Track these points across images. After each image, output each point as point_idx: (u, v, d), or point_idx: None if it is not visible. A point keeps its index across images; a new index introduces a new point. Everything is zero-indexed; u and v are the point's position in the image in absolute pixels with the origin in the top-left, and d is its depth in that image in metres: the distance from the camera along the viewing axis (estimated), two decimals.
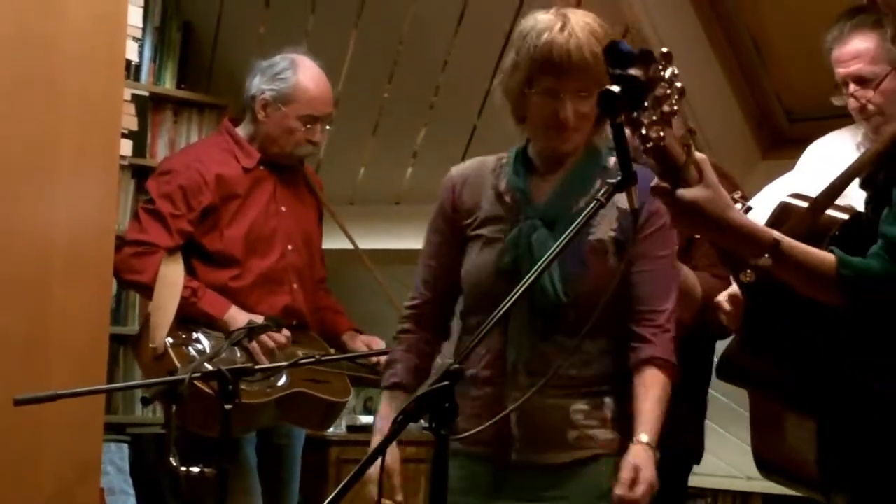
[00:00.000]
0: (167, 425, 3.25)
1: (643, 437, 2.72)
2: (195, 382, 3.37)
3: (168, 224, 4.06)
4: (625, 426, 2.81)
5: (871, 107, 3.22)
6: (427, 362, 2.97)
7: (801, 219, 2.56)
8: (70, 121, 3.78)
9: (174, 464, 3.24)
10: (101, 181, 3.88)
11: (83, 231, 3.82)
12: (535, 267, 2.37)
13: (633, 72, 2.04)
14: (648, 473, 2.68)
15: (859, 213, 2.46)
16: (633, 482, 2.67)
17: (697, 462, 3.73)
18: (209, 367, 3.32)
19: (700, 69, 5.09)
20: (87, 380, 3.67)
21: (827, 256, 2.27)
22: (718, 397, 3.46)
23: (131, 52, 4.28)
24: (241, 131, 4.27)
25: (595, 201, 2.44)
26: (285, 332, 4.06)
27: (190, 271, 4.10)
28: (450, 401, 2.18)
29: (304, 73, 4.19)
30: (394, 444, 2.65)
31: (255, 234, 4.16)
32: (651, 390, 2.77)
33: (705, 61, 5.11)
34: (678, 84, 2.06)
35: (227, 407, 3.24)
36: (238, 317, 3.99)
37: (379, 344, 4.25)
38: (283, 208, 4.25)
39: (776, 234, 2.26)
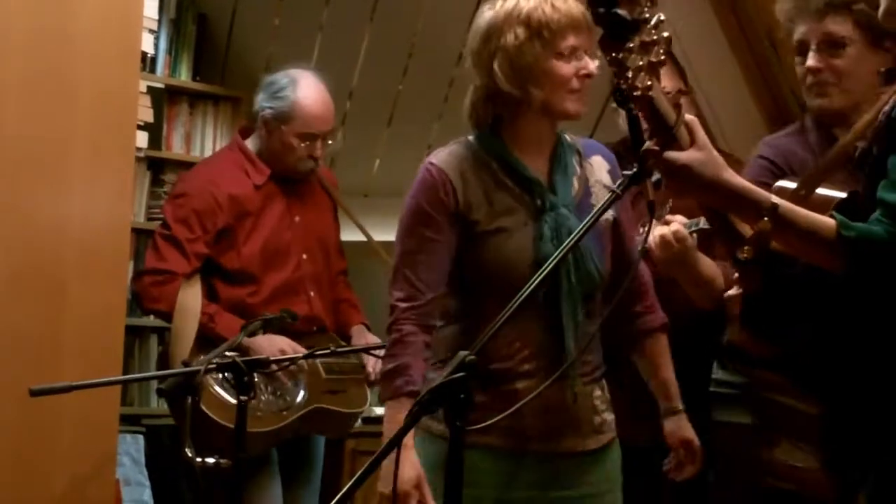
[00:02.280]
0: (182, 417, 3.26)
1: (677, 405, 2.94)
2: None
3: (185, 249, 4.11)
4: (618, 415, 2.94)
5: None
6: (428, 366, 2.86)
7: (792, 199, 2.54)
8: (86, 113, 3.79)
9: (190, 455, 3.24)
10: (116, 173, 3.89)
11: (99, 223, 3.82)
12: (552, 257, 2.37)
13: (618, 11, 2.04)
14: (696, 442, 2.92)
15: (854, 191, 2.44)
16: (691, 457, 2.90)
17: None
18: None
19: (716, 64, 5.08)
20: (102, 371, 3.68)
21: (827, 220, 2.25)
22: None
23: (147, 44, 4.29)
24: (251, 144, 4.31)
25: (612, 193, 2.44)
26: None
27: (210, 290, 4.17)
28: (465, 392, 2.18)
29: (302, 91, 4.21)
30: (416, 457, 2.71)
31: (270, 249, 4.21)
32: (666, 356, 2.96)
33: (721, 56, 5.10)
34: (665, 33, 2.07)
35: (243, 398, 3.24)
36: (254, 338, 4.00)
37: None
38: (297, 218, 4.30)
39: (774, 197, 2.25)
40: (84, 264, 3.77)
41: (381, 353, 4.05)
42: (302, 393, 4.14)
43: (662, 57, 2.09)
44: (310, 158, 4.24)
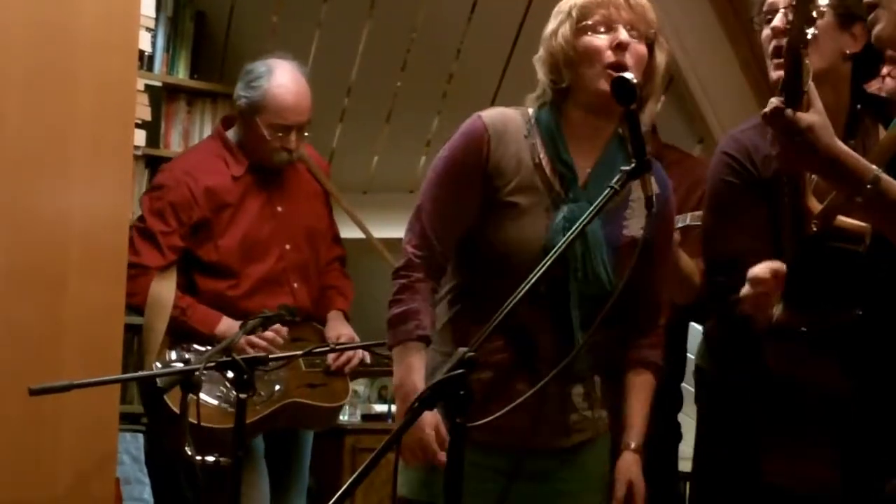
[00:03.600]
0: (181, 415, 3.26)
1: (633, 443, 2.80)
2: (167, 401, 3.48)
3: (159, 242, 4.10)
4: (612, 402, 2.86)
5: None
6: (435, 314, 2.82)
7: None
8: (84, 111, 3.78)
9: (189, 453, 3.24)
10: (115, 171, 3.88)
11: (98, 221, 3.81)
12: (548, 256, 2.39)
13: None
14: (641, 485, 2.78)
15: None
16: (631, 499, 2.78)
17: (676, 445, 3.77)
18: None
19: (714, 57, 5.09)
20: (102, 370, 3.66)
21: None
22: (692, 390, 3.45)
23: (144, 42, 4.28)
24: (233, 135, 4.28)
25: (609, 188, 2.45)
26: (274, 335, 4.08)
27: (189, 282, 4.16)
28: (465, 388, 2.18)
29: (276, 80, 4.16)
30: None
31: (250, 241, 4.19)
32: (644, 394, 2.86)
33: (720, 50, 5.10)
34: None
35: (242, 396, 3.24)
36: (231, 329, 3.99)
37: (348, 338, 4.24)
38: (280, 208, 4.26)
39: (877, 169, 2.23)
40: (84, 262, 3.76)
41: (381, 349, 4.12)
42: (278, 387, 4.12)
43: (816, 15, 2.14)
44: (284, 150, 4.18)
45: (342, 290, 4.42)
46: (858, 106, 2.90)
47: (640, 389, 2.86)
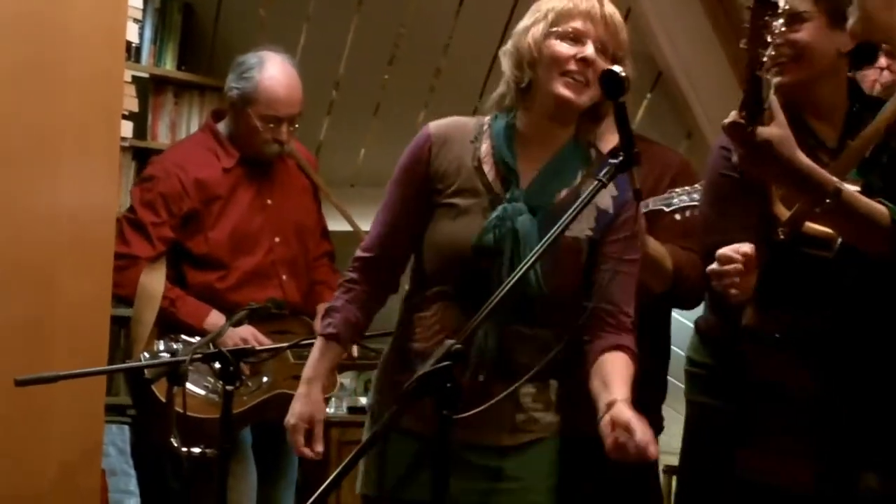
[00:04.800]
0: (168, 406, 3.26)
1: (619, 395, 2.61)
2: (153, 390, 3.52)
3: (149, 233, 4.11)
4: (567, 408, 2.81)
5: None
6: (366, 316, 2.91)
7: None
8: (71, 103, 3.77)
9: (175, 444, 3.24)
10: (102, 163, 3.87)
11: (85, 213, 3.81)
12: (529, 257, 2.41)
13: None
14: (641, 423, 2.56)
15: (868, 182, 2.46)
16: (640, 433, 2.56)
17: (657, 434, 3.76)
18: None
19: (704, 56, 5.09)
20: (88, 362, 3.66)
21: (879, 206, 2.30)
22: (677, 383, 3.45)
23: (132, 33, 4.27)
24: (223, 128, 4.29)
25: (597, 182, 2.46)
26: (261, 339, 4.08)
27: (179, 275, 4.17)
28: (452, 381, 2.18)
29: (268, 72, 4.17)
30: (321, 394, 2.91)
31: (240, 234, 4.20)
32: (623, 366, 2.71)
33: (710, 48, 5.11)
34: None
35: (229, 388, 3.24)
36: (219, 323, 4.00)
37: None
38: (270, 201, 4.28)
39: (837, 180, 2.28)
40: (71, 253, 3.76)
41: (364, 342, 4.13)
42: (266, 378, 4.13)
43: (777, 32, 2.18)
44: (275, 142, 4.20)
45: (331, 284, 4.42)
46: (856, 106, 2.91)
47: (613, 361, 2.71)
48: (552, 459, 2.81)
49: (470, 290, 2.64)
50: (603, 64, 2.70)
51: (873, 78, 3.27)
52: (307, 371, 2.92)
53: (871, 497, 2.44)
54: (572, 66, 2.71)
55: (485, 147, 2.81)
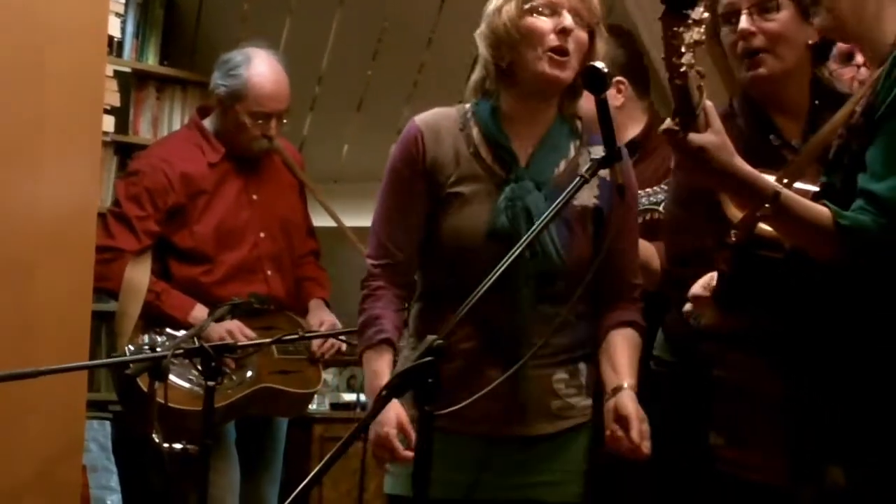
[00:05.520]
0: (149, 402, 3.25)
1: (625, 382, 2.71)
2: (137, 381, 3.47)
3: (134, 227, 4.12)
4: (597, 390, 2.82)
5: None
6: (402, 320, 2.84)
7: None
8: (53, 97, 3.76)
9: (157, 440, 3.23)
10: (84, 158, 3.86)
11: (67, 207, 3.80)
12: (526, 236, 2.42)
13: None
14: (641, 420, 2.65)
15: (828, 183, 2.47)
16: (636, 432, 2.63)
17: None
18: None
19: None
20: (69, 357, 3.65)
21: (822, 209, 2.31)
22: None
23: (114, 28, 4.26)
24: (209, 124, 4.31)
25: (579, 178, 2.46)
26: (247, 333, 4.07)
27: (164, 268, 4.17)
28: (434, 377, 2.18)
29: (256, 69, 4.20)
30: (397, 402, 2.60)
31: (225, 228, 4.21)
32: (631, 346, 2.79)
33: None
34: (706, 14, 2.17)
35: (210, 384, 3.23)
36: (204, 316, 4.00)
37: (331, 325, 4.25)
38: (255, 197, 4.29)
39: (776, 185, 2.29)
40: (52, 248, 3.74)
41: (346, 337, 4.13)
42: (250, 372, 4.14)
43: (703, 37, 2.15)
44: (263, 138, 4.22)
45: (320, 280, 4.46)
46: (817, 101, 2.92)
47: (625, 340, 2.79)
48: (586, 446, 2.79)
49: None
50: (580, 33, 2.72)
51: (851, 75, 3.28)
52: (374, 384, 2.72)
53: (837, 492, 2.45)
54: (553, 41, 2.70)
55: (475, 132, 2.81)
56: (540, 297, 2.71)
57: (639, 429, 2.62)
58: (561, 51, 2.69)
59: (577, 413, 2.79)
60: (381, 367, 2.74)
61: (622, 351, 2.77)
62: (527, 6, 2.72)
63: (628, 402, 2.66)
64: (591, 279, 2.60)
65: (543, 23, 2.70)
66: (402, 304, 2.83)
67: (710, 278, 2.67)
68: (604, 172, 2.70)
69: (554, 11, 2.71)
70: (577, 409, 2.80)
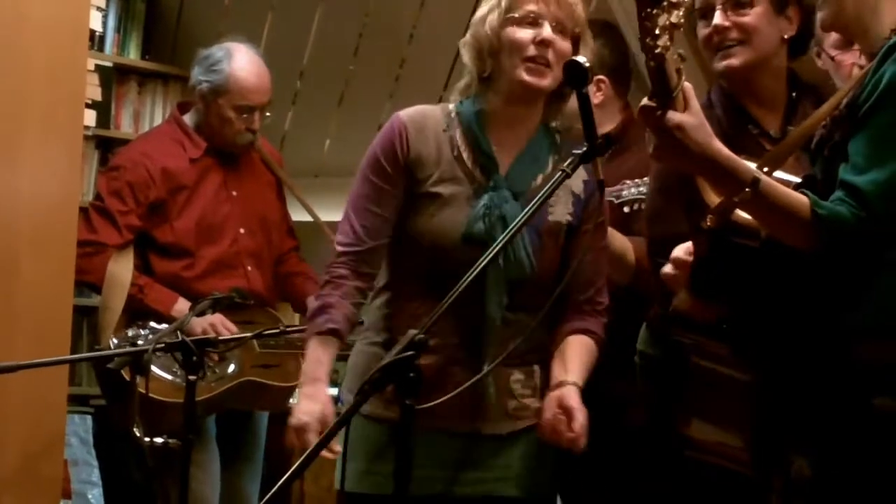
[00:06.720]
0: (130, 396, 3.25)
1: (574, 379, 2.73)
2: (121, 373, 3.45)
3: (117, 221, 4.12)
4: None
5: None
6: (358, 311, 2.85)
7: None
8: (34, 91, 3.75)
9: (138, 435, 3.23)
10: (65, 152, 3.86)
11: (48, 202, 3.80)
12: (502, 237, 2.43)
13: None
14: (581, 414, 2.67)
15: (810, 175, 2.48)
16: (578, 424, 2.66)
17: None
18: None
19: None
20: (50, 351, 3.65)
21: (801, 198, 2.32)
22: None
23: (95, 21, 4.25)
24: (190, 119, 4.32)
25: (561, 172, 2.47)
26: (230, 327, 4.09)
27: (145, 263, 4.18)
28: (415, 370, 2.19)
29: (238, 63, 4.21)
30: (328, 396, 2.74)
31: (205, 223, 4.22)
32: (586, 351, 2.81)
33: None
34: None
35: (192, 378, 3.23)
36: (186, 309, 3.99)
37: None
38: (235, 193, 4.30)
39: (755, 170, 2.30)
40: (33, 242, 3.74)
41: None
42: (232, 366, 4.15)
43: (682, 20, 2.15)
44: (247, 131, 4.24)
45: (309, 273, 4.46)
46: (794, 93, 2.95)
47: (578, 345, 2.82)
48: (541, 446, 2.79)
49: (457, 281, 2.61)
50: (562, 42, 2.75)
51: (851, 62, 3.28)
52: (312, 370, 2.79)
53: (803, 483, 2.47)
54: (532, 51, 2.73)
55: (458, 134, 2.83)
56: (508, 303, 2.74)
57: (581, 422, 2.66)
58: (539, 60, 2.73)
59: (530, 413, 2.81)
60: (324, 357, 2.78)
61: (576, 353, 2.80)
62: (508, 16, 2.76)
63: (573, 395, 2.69)
64: (549, 287, 2.64)
65: (524, 34, 2.75)
66: (360, 296, 2.84)
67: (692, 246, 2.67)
68: (578, 189, 2.79)
69: (534, 22, 2.75)
70: (531, 409, 2.81)
